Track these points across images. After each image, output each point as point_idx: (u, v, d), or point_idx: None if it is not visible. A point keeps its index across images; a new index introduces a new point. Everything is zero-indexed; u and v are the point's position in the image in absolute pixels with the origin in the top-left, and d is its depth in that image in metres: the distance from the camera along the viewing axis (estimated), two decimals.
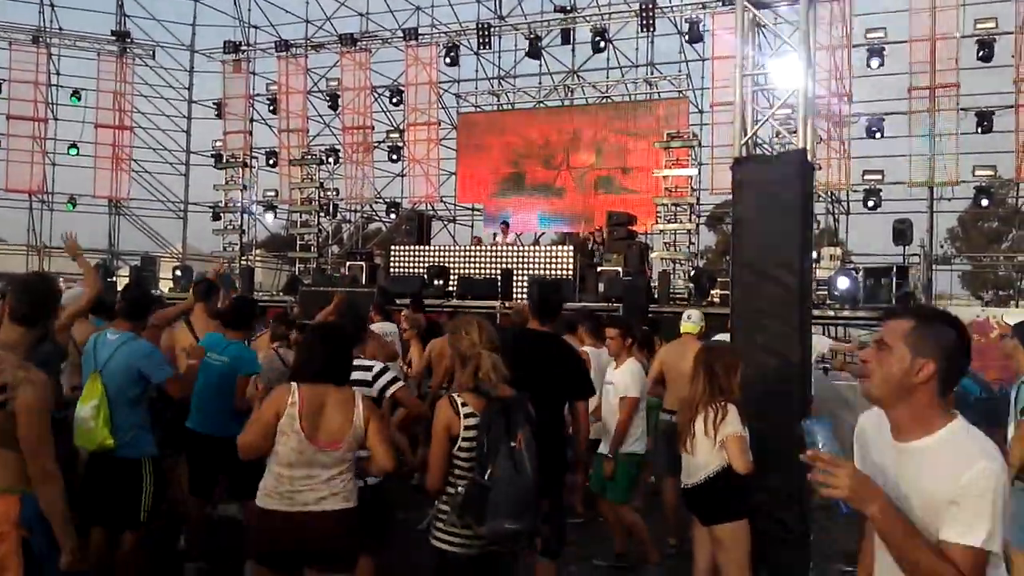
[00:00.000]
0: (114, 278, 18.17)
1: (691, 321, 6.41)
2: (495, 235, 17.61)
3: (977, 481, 1.87)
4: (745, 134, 6.17)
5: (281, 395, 3.40)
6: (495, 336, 3.41)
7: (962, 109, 16.99)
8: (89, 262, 5.42)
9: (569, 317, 7.42)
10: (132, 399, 4.39)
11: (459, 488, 3.17)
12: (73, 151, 22.66)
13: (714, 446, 4.15)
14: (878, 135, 17.77)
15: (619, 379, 5.70)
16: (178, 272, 16.89)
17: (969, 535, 1.86)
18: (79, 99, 22.76)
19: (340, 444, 3.36)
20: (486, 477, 3.06)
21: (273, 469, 3.38)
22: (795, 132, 6.26)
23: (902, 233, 14.25)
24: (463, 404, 3.23)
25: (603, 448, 5.72)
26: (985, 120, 16.91)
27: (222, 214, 20.70)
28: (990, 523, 1.86)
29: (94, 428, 4.18)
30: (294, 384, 3.42)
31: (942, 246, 27.68)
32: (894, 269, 11.64)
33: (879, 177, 17.59)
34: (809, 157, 5.94)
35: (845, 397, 8.68)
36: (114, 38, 23.15)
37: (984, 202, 17.13)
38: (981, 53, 16.68)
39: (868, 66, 17.47)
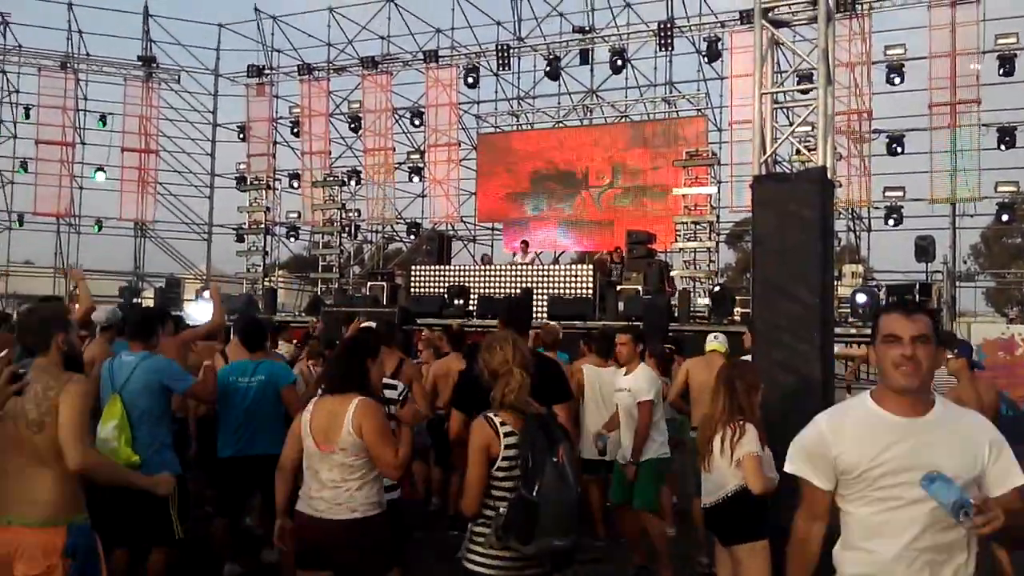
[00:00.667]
0: (139, 299, 18.41)
1: (717, 341, 6.36)
2: (514, 255, 17.65)
3: (998, 434, 2.36)
4: (764, 152, 6.19)
5: (309, 404, 3.67)
6: (528, 354, 3.36)
7: (983, 125, 16.91)
8: (87, 284, 5.66)
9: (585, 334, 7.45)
10: (156, 416, 4.46)
11: (500, 508, 3.07)
12: (100, 175, 23.04)
13: (730, 465, 4.11)
14: (899, 151, 17.69)
15: (633, 384, 5.72)
16: (204, 294, 17.06)
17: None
18: (105, 123, 23.19)
19: (333, 447, 3.45)
20: (535, 493, 2.98)
21: (305, 474, 3.58)
22: (815, 150, 6.27)
23: (924, 250, 14.16)
24: (502, 423, 3.15)
25: (620, 457, 5.73)
26: (1007, 136, 16.81)
27: (245, 235, 20.92)
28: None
29: (117, 448, 4.24)
30: (318, 394, 3.66)
31: (965, 262, 27.42)
32: (917, 286, 11.55)
33: (900, 194, 17.50)
34: (829, 175, 5.95)
35: None
36: (140, 63, 23.59)
37: (1005, 218, 17.00)
38: (1002, 69, 16.61)
39: (888, 83, 17.44)
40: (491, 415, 3.19)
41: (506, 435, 3.13)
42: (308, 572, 3.52)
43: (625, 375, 5.85)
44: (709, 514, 4.33)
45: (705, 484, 4.32)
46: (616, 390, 5.90)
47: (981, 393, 5.92)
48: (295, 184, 23.50)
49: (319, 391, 3.71)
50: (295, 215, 22.72)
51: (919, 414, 2.35)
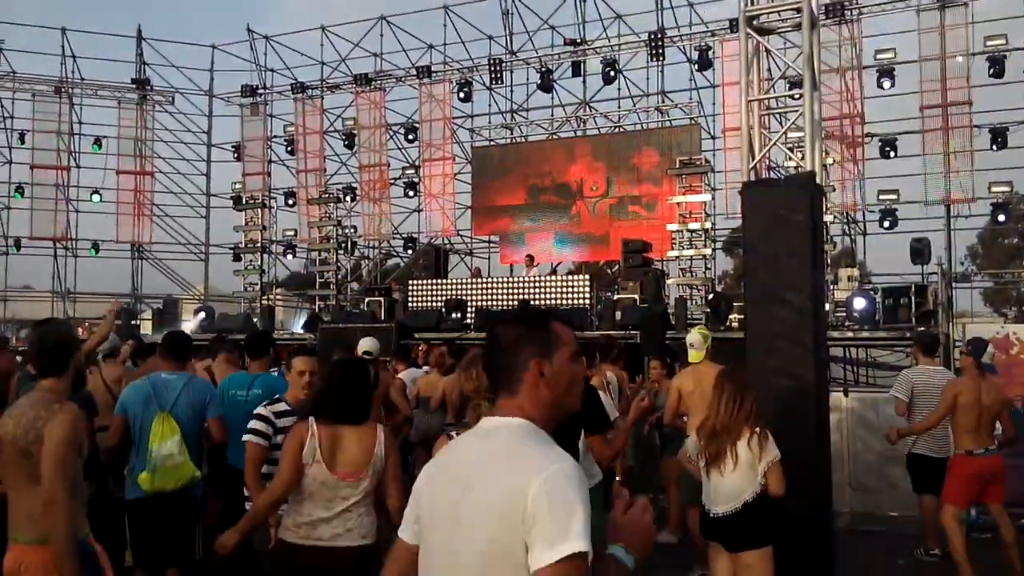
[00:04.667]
0: (137, 321, 18.40)
1: (695, 349, 6.23)
2: (518, 267, 17.68)
3: None
4: (753, 158, 6.22)
5: (301, 429, 3.46)
6: None
7: (975, 126, 16.97)
8: (112, 319, 5.70)
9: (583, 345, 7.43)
10: (197, 436, 4.52)
11: None
12: (96, 198, 23.09)
13: (758, 473, 4.11)
14: (892, 154, 17.75)
15: None
16: (201, 314, 17.06)
17: None
18: (100, 146, 23.26)
19: (362, 474, 3.37)
20: None
21: (293, 503, 3.42)
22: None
23: (919, 252, 14.17)
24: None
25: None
26: (999, 136, 16.87)
27: (242, 255, 20.95)
28: None
29: (182, 463, 4.31)
30: (311, 419, 3.46)
31: (962, 263, 27.49)
32: (912, 288, 11.55)
33: (894, 197, 17.56)
34: (818, 179, 5.98)
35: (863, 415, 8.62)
36: (134, 86, 23.67)
37: (1001, 218, 17.04)
38: (992, 70, 16.69)
39: (879, 87, 17.52)
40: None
41: None
42: None
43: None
44: (720, 522, 4.25)
45: (715, 492, 4.25)
46: None
47: (984, 390, 5.93)
48: (291, 202, 23.56)
49: (314, 417, 3.49)
50: (292, 233, 22.74)
51: None
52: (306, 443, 3.38)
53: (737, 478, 4.15)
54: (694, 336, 6.30)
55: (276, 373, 6.07)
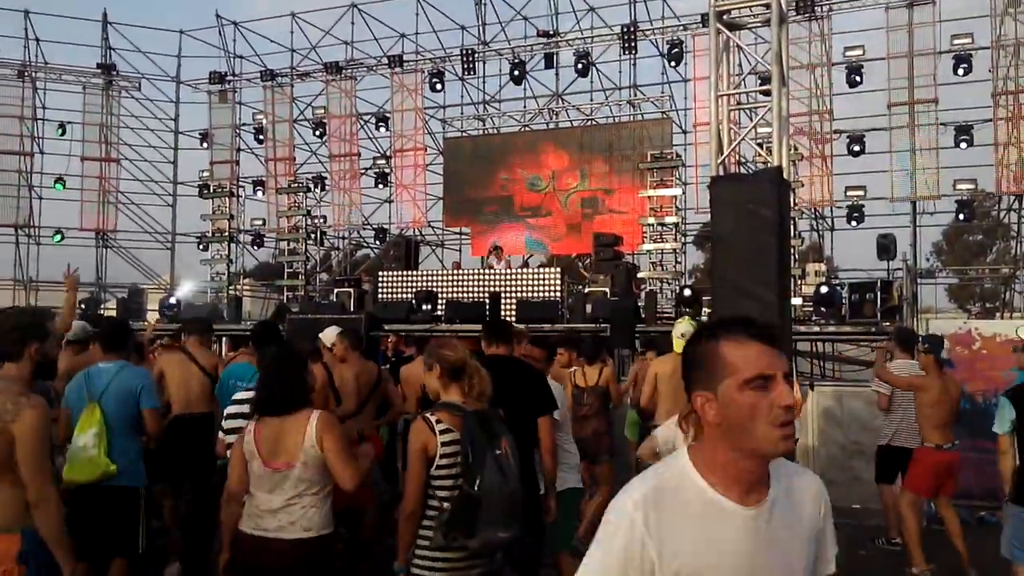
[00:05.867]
0: (102, 310, 18.10)
1: (684, 339, 6.27)
2: (485, 260, 17.63)
3: (822, 496, 1.83)
4: (721, 153, 6.24)
5: (248, 426, 3.51)
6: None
7: (941, 124, 17.19)
8: (73, 299, 5.51)
9: (555, 339, 7.43)
10: (132, 427, 4.43)
11: (444, 506, 3.12)
12: (59, 186, 22.65)
13: None
14: (859, 151, 17.91)
15: None
16: (171, 300, 16.82)
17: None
18: (65, 132, 22.81)
19: (292, 463, 3.36)
20: (476, 487, 3.04)
21: (249, 495, 3.44)
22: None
23: (886, 248, 14.35)
24: (438, 421, 3.22)
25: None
26: (964, 134, 17.08)
27: (209, 244, 20.68)
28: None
29: (96, 456, 4.19)
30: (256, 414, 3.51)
31: (927, 260, 27.90)
32: (878, 284, 11.67)
33: (861, 193, 17.74)
34: (786, 174, 6.01)
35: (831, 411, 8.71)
36: (100, 71, 23.21)
37: (963, 215, 17.30)
38: (959, 69, 16.90)
39: (848, 84, 17.66)
40: (428, 415, 3.26)
41: (442, 433, 3.20)
42: None
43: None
44: None
45: None
46: None
47: (949, 387, 6.07)
48: (259, 191, 23.29)
49: (255, 416, 3.52)
50: (260, 222, 22.48)
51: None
52: (246, 438, 3.44)
53: None
54: (686, 327, 6.26)
55: None
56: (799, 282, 14.25)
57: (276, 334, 5.65)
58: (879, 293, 11.37)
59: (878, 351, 7.50)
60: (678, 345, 6.21)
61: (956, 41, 16.91)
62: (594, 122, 21.45)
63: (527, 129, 22.04)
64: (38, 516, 2.92)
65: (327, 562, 3.43)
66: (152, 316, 16.64)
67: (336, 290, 17.20)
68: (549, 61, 21.30)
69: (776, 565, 1.62)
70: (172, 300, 16.81)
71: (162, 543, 5.35)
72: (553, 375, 5.72)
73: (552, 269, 16.46)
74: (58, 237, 22.71)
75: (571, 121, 22.25)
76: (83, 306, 16.83)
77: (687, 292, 13.24)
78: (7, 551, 2.92)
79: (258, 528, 3.36)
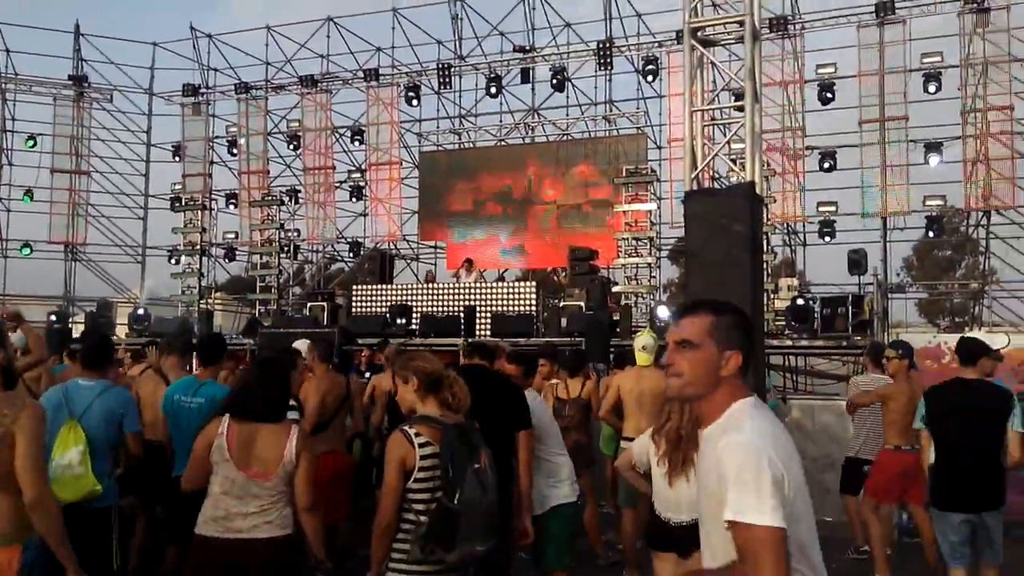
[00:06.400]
0: (70, 324, 17.82)
1: (646, 352, 6.26)
2: (457, 273, 17.60)
3: (723, 456, 1.87)
4: (695, 168, 6.27)
5: (213, 427, 3.48)
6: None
7: (911, 141, 17.44)
8: (33, 330, 5.47)
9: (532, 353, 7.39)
10: (111, 447, 4.38)
11: (421, 519, 3.08)
12: (27, 199, 22.30)
13: None
14: (831, 167, 18.12)
15: None
16: (140, 312, 16.60)
17: (735, 511, 1.81)
18: (35, 144, 22.51)
19: (271, 476, 3.38)
20: (455, 501, 3.02)
21: (210, 497, 3.41)
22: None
23: (857, 263, 14.49)
24: (417, 435, 3.17)
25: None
26: (934, 151, 17.35)
27: (181, 257, 20.45)
28: (754, 497, 1.80)
29: (82, 475, 4.12)
30: (226, 416, 3.47)
31: (898, 275, 28.22)
32: (850, 298, 11.80)
33: (833, 208, 17.92)
34: (758, 189, 6.05)
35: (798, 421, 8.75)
36: (71, 82, 22.95)
37: (933, 231, 17.55)
38: (929, 86, 17.17)
39: (820, 101, 17.87)
40: (407, 428, 3.22)
41: (421, 446, 3.16)
42: None
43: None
44: (682, 531, 3.81)
45: (678, 501, 3.88)
46: None
47: (916, 391, 6.12)
48: (232, 204, 23.09)
49: (227, 414, 3.52)
50: (232, 236, 22.29)
51: (705, 426, 2.07)
52: (214, 441, 3.41)
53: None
54: (646, 339, 6.26)
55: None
56: (772, 296, 14.35)
57: (223, 350, 5.58)
58: (850, 307, 11.49)
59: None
60: (641, 358, 6.22)
61: (926, 59, 17.19)
62: (570, 137, 21.54)
63: (503, 143, 22.07)
64: (38, 517, 2.90)
65: (297, 560, 3.51)
66: (121, 330, 16.42)
67: (309, 304, 17.08)
68: (525, 76, 21.36)
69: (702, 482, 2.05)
70: (140, 311, 16.59)
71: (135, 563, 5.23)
72: (536, 387, 5.71)
73: (528, 283, 16.47)
74: (27, 250, 22.36)
75: (547, 136, 22.32)
76: (53, 317, 16.61)
77: (661, 311, 13.30)
78: (9, 563, 2.90)
79: (229, 531, 3.36)
